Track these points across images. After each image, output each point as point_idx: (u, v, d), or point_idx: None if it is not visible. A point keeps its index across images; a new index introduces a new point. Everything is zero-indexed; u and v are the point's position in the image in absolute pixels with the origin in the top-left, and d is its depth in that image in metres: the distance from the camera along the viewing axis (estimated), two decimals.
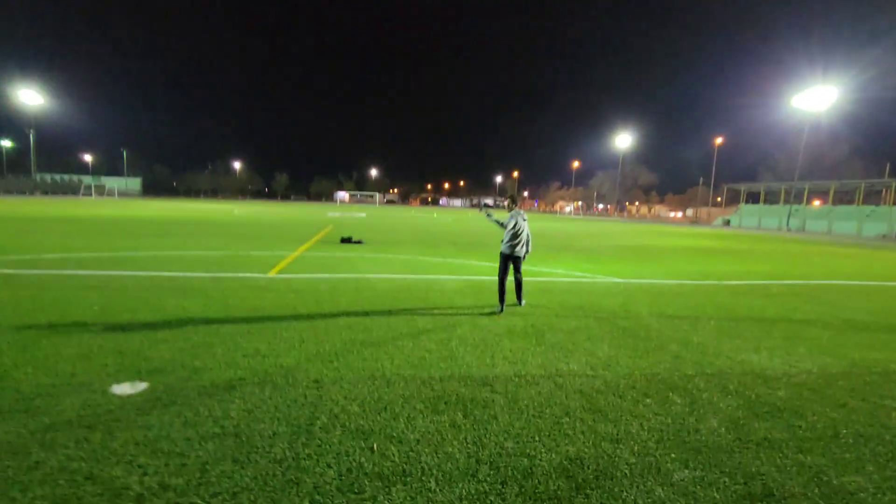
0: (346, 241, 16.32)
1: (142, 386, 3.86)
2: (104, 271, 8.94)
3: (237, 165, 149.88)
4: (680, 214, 70.11)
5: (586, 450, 3.07)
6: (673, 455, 3.05)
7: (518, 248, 7.12)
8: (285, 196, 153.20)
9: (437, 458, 2.93)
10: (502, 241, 7.25)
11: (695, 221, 76.45)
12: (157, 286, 7.77)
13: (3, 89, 75.01)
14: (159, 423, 3.24)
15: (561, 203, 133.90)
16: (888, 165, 62.65)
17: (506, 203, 7.74)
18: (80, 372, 4.06)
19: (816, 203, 62.38)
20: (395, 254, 13.73)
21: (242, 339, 5.15)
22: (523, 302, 7.46)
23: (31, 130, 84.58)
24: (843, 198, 56.99)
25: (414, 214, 53.63)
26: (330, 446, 3.01)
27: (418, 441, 3.12)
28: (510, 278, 7.30)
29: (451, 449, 3.03)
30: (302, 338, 5.26)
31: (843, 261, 17.71)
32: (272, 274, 9.39)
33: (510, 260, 7.18)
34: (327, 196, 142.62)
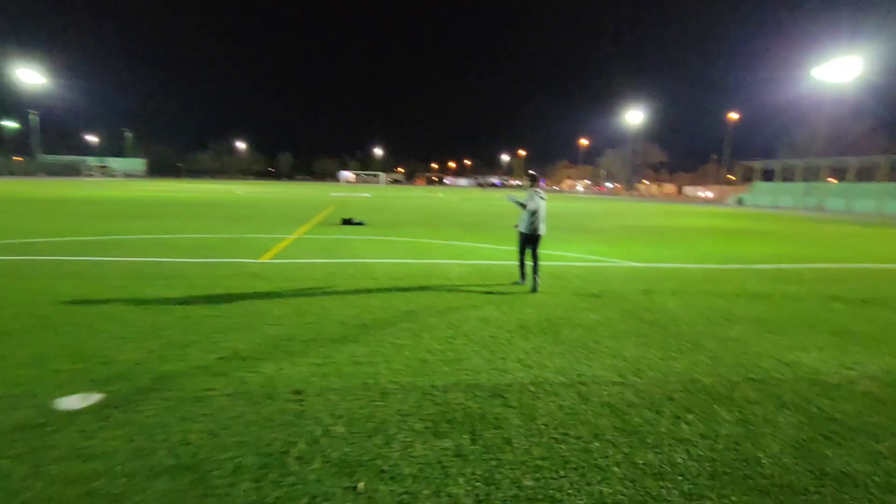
0: (348, 222, 15.71)
1: (93, 399, 3.30)
2: (87, 257, 8.40)
3: (241, 145, 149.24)
4: (711, 194, 67.82)
5: (624, 490, 2.47)
6: (734, 498, 2.45)
7: (540, 227, 7.07)
8: (290, 176, 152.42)
9: (438, 502, 2.36)
10: (521, 219, 7.16)
11: (707, 200, 74.97)
12: (139, 273, 7.22)
13: (4, 70, 74.42)
14: (102, 451, 2.67)
15: (569, 181, 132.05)
16: None
17: (525, 182, 7.64)
18: (25, 381, 3.51)
19: (830, 180, 60.71)
20: (398, 236, 13.11)
21: (221, 336, 4.59)
22: (538, 288, 7.04)
23: (33, 111, 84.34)
24: (864, 175, 55.31)
25: (419, 194, 52.83)
26: (305, 485, 2.43)
27: (415, 477, 2.53)
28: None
29: (455, 489, 2.44)
30: (288, 335, 4.69)
31: (873, 242, 16.86)
32: (265, 259, 8.81)
33: (530, 239, 7.10)
34: (331, 176, 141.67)
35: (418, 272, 8.05)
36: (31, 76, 72.70)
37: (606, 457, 2.78)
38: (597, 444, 2.91)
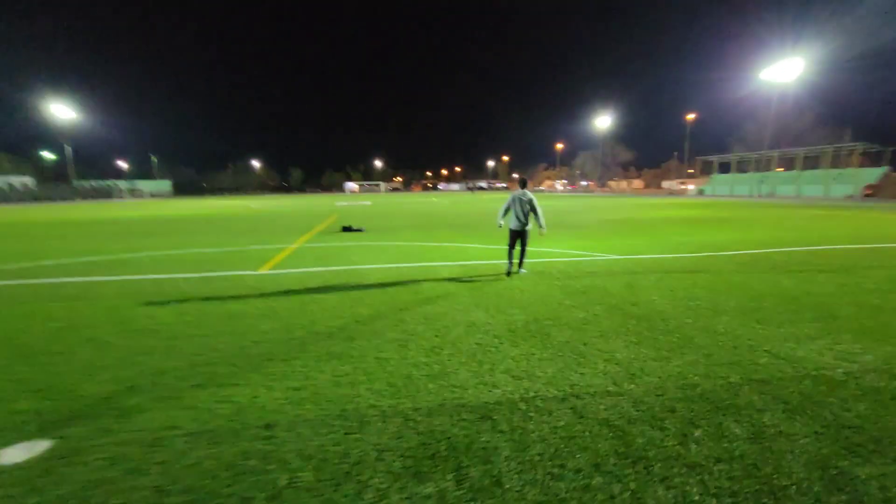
0: (347, 229, 15.02)
1: (41, 447, 2.64)
2: (91, 277, 7.69)
3: (255, 164, 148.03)
4: (692, 187, 66.46)
5: None
6: None
7: (525, 225, 7.32)
8: (301, 189, 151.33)
9: None
10: (509, 220, 7.46)
11: (671, 193, 74.53)
12: (136, 293, 6.52)
13: (39, 106, 73.51)
14: None
15: (549, 182, 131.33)
16: (850, 130, 60.46)
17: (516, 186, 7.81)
18: None
19: (779, 170, 60.24)
20: (393, 240, 12.42)
21: (201, 359, 3.92)
22: (523, 270, 7.58)
23: (68, 143, 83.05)
24: (808, 164, 54.85)
25: (415, 200, 52.05)
26: None
27: None
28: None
29: None
30: (271, 353, 4.03)
31: (829, 223, 16.29)
32: (263, 270, 8.13)
33: (518, 235, 7.39)
34: (338, 187, 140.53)
35: (409, 276, 7.38)
36: (64, 111, 71.97)
37: (611, 495, 2.14)
38: (599, 478, 2.27)
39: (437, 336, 4.43)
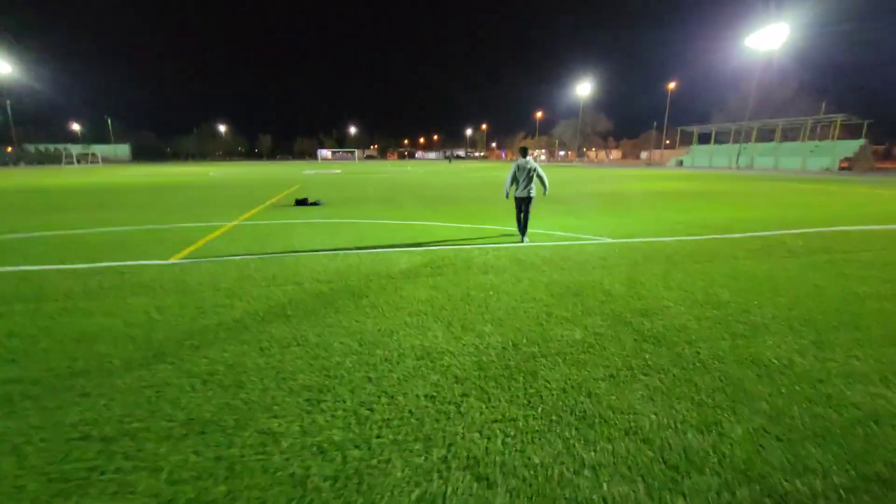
0: (302, 202, 13.22)
1: None
2: None
3: (222, 128, 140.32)
4: (681, 157, 64.77)
5: None
6: None
7: (531, 190, 7.67)
8: (271, 156, 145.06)
9: None
10: (514, 188, 7.75)
11: (650, 163, 73.99)
12: None
13: None
14: None
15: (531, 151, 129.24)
16: (823, 103, 60.34)
17: (517, 156, 8.04)
18: None
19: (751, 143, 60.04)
20: (353, 217, 10.78)
21: (31, 405, 2.38)
22: (526, 238, 7.74)
23: (5, 101, 75.90)
24: (789, 135, 54.70)
25: (389, 169, 49.71)
26: None
27: None
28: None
29: None
30: (134, 405, 2.52)
31: (825, 199, 15.39)
32: (175, 259, 6.46)
33: (522, 202, 7.72)
34: (311, 154, 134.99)
35: (356, 270, 5.85)
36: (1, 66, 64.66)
37: None
38: None
39: (369, 383, 2.97)
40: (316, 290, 4.95)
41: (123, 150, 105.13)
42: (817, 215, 10.97)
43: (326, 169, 47.85)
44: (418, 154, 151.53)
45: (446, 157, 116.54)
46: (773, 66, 54.63)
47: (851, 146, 44.61)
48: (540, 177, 7.65)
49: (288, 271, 5.73)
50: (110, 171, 46.18)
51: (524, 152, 7.86)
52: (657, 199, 14.96)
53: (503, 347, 3.47)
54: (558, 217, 10.66)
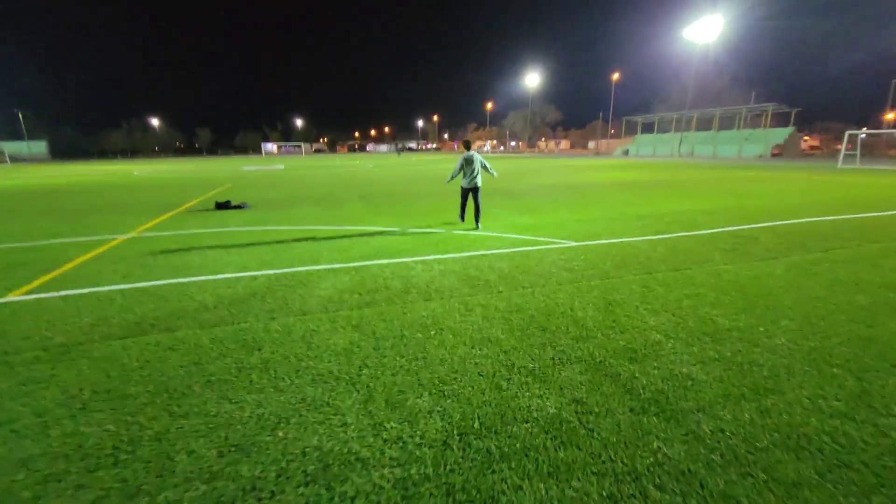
0: (223, 206, 11.45)
1: None
2: None
3: (155, 122, 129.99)
4: (618, 150, 65.64)
5: None
6: None
7: (476, 181, 7.97)
8: (211, 151, 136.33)
9: None
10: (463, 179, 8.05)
11: (598, 153, 75.59)
12: None
13: None
14: None
15: (479, 142, 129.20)
16: (753, 94, 63.61)
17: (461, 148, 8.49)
18: None
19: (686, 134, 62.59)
20: (280, 223, 9.26)
21: None
22: (480, 225, 8.01)
23: None
24: (724, 124, 57.21)
25: (336, 163, 47.36)
26: None
27: None
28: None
29: None
30: None
31: (777, 186, 15.42)
32: (15, 295, 4.81)
33: (468, 191, 8.07)
34: (254, 149, 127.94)
35: (259, 303, 4.48)
36: None
37: None
38: None
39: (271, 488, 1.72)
40: (191, 342, 3.56)
41: (40, 147, 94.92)
42: (775, 205, 10.63)
43: (268, 164, 44.85)
44: (369, 147, 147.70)
45: (397, 150, 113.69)
46: (709, 57, 56.85)
47: (782, 134, 47.13)
48: (485, 166, 8.15)
49: (164, 309, 4.28)
50: (15, 171, 40.93)
51: (468, 145, 8.37)
52: (613, 191, 14.36)
53: (444, 444, 2.30)
54: (513, 215, 9.65)
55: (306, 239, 7.52)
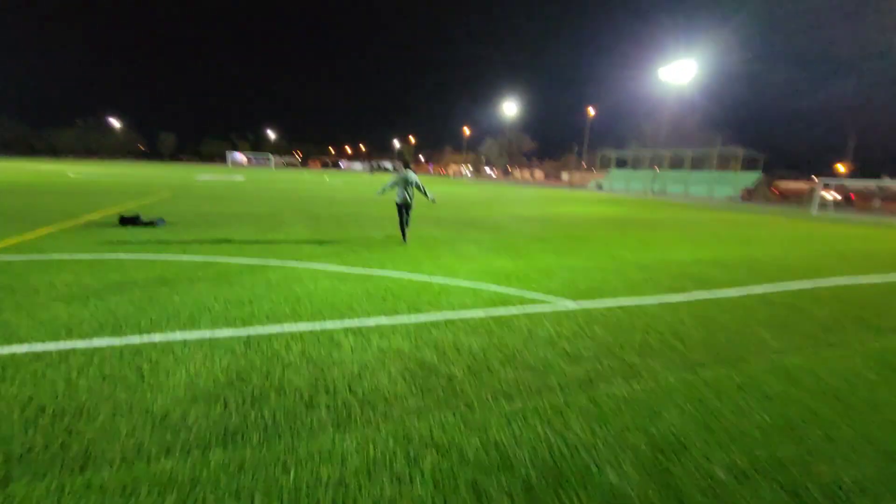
0: (129, 221, 9.19)
1: None
2: None
3: (114, 122, 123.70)
4: (592, 183, 66.50)
5: None
6: None
7: (408, 199, 8.22)
8: (174, 157, 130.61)
9: None
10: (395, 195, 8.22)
11: (572, 185, 76.18)
12: None
13: None
14: None
15: (455, 167, 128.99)
16: (726, 136, 65.64)
17: (397, 166, 8.19)
18: None
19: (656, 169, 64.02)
20: (183, 251, 7.14)
21: None
22: (407, 239, 8.34)
23: None
24: (695, 164, 58.51)
25: (301, 178, 45.04)
26: None
27: None
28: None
29: None
30: None
31: (769, 231, 14.36)
32: None
33: (403, 208, 8.25)
34: (221, 157, 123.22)
35: (89, 400, 2.47)
36: None
37: None
38: None
39: None
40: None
41: None
42: (785, 255, 9.30)
43: (228, 175, 42.08)
44: (342, 163, 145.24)
45: (371, 169, 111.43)
46: (683, 98, 58.51)
47: (751, 178, 48.23)
48: (419, 186, 8.27)
49: None
50: None
51: (406, 164, 8.51)
52: (598, 228, 12.92)
53: None
54: (489, 255, 7.88)
55: (200, 279, 5.47)
